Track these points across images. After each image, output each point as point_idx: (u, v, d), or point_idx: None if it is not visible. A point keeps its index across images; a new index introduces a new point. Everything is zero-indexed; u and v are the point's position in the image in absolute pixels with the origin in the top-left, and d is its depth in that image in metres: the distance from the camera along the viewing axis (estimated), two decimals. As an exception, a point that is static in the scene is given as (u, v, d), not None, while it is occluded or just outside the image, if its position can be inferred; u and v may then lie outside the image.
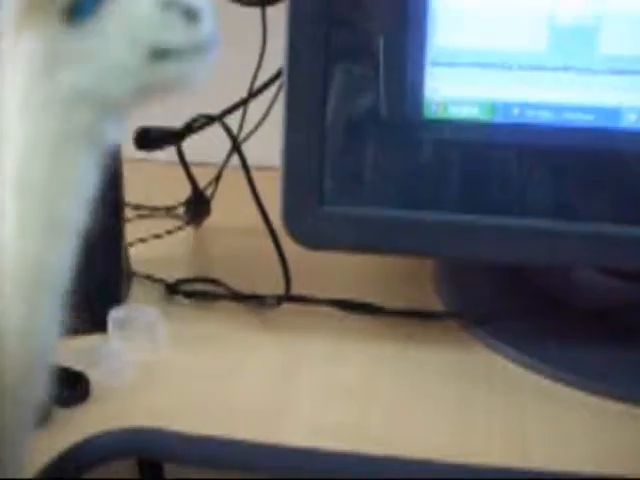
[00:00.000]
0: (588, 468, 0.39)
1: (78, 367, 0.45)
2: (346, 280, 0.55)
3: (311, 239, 0.46)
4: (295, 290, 0.51)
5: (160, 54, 0.19)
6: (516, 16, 0.42)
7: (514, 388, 0.46)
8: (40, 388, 0.25)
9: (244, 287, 0.53)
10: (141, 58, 0.18)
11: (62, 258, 0.23)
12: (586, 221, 0.44)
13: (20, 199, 0.21)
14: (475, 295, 0.55)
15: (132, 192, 0.52)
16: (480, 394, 0.45)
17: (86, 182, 0.22)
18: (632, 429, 0.43)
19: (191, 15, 0.19)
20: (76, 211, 0.22)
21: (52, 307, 0.24)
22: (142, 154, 0.56)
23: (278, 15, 0.47)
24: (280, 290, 0.51)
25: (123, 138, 0.22)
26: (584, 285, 0.53)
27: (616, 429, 0.43)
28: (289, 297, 0.51)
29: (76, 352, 0.46)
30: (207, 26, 0.19)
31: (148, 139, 0.55)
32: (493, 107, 0.44)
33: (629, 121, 0.43)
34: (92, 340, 0.48)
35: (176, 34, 0.19)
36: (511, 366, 0.48)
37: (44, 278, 0.23)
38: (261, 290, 0.52)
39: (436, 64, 0.43)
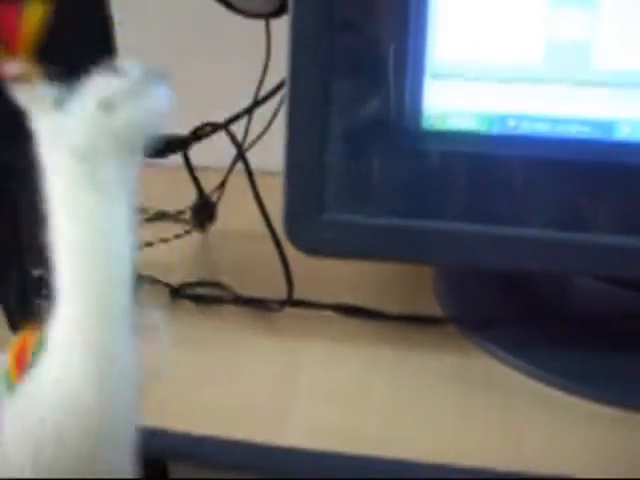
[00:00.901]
0: (580, 471, 0.40)
1: None
2: (347, 285, 0.56)
3: (312, 246, 0.46)
4: (297, 295, 0.52)
5: (109, 107, 0.24)
6: (513, 30, 0.43)
7: (510, 393, 0.46)
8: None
9: (247, 291, 0.53)
10: (94, 114, 0.24)
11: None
12: (582, 230, 0.44)
13: (60, 253, 0.26)
14: (474, 301, 0.55)
15: (139, 197, 0.52)
16: (477, 398, 0.46)
17: (109, 224, 0.26)
18: (624, 434, 0.43)
19: (117, 72, 0.25)
20: (106, 251, 0.26)
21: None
22: (147, 160, 0.57)
23: (282, 27, 0.48)
24: (282, 294, 0.52)
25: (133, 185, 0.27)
26: (581, 293, 0.53)
27: (609, 434, 0.43)
28: (291, 301, 0.52)
29: None
30: (131, 76, 0.25)
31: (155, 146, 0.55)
32: (490, 119, 0.44)
33: (623, 133, 0.43)
34: None
35: (110, 88, 0.24)
36: (508, 371, 0.48)
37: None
38: (264, 294, 0.53)
39: (435, 77, 0.44)
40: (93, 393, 0.26)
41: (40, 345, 0.27)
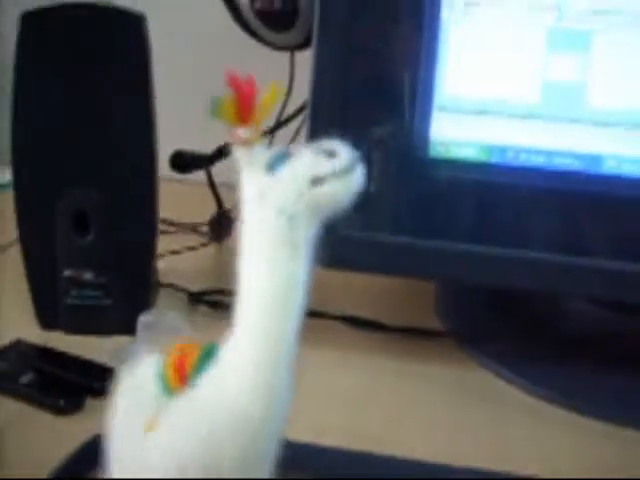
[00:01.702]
0: (564, 475, 0.42)
1: (110, 363, 0.48)
2: (353, 298, 0.58)
3: (324, 260, 0.49)
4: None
5: (317, 182, 0.28)
6: (514, 72, 0.46)
7: (502, 403, 0.49)
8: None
9: None
10: (304, 186, 0.28)
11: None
12: (573, 253, 0.47)
13: (249, 292, 0.29)
14: (472, 317, 0.58)
15: (163, 209, 0.55)
16: (471, 407, 0.48)
17: (297, 275, 0.29)
18: (607, 446, 0.46)
19: (331, 154, 0.28)
20: (290, 298, 0.29)
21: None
22: (175, 175, 0.60)
23: (304, 57, 0.52)
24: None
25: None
26: (573, 313, 0.56)
27: (593, 445, 0.45)
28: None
29: (108, 350, 0.50)
30: (341, 159, 0.28)
31: (182, 162, 0.59)
32: (490, 150, 0.47)
33: (609, 166, 0.47)
34: (122, 341, 0.52)
35: (322, 167, 0.28)
36: (501, 383, 0.51)
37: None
38: None
39: (442, 110, 0.47)
40: (260, 415, 0.29)
41: (203, 360, 0.30)
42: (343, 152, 0.28)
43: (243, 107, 0.28)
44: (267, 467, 0.30)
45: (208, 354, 0.30)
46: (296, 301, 0.29)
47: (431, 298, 0.60)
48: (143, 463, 0.30)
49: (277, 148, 0.29)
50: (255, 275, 0.29)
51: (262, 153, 0.29)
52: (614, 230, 0.47)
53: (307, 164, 0.28)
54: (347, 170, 0.28)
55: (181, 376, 0.31)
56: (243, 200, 0.29)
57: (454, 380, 0.51)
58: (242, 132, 0.28)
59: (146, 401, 0.31)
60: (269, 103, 0.29)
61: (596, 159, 0.47)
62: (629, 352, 0.53)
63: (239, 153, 0.29)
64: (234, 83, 0.28)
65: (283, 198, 0.28)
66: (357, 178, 0.29)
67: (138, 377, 0.33)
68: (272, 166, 0.28)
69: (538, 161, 0.47)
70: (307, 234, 0.29)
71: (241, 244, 0.29)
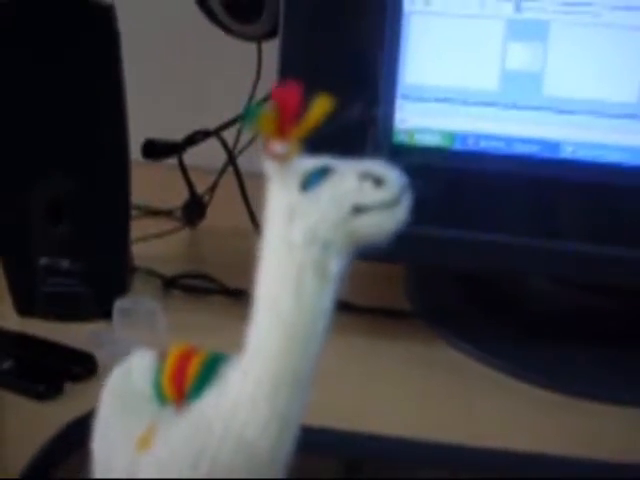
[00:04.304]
0: (526, 448, 0.43)
1: (87, 348, 0.50)
2: None
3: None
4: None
5: (359, 210, 0.25)
6: (473, 61, 0.47)
7: (468, 378, 0.50)
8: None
9: (233, 283, 0.57)
10: (344, 214, 0.25)
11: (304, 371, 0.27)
12: (531, 235, 0.49)
13: (269, 318, 0.26)
14: (439, 297, 0.60)
15: (136, 195, 0.55)
16: (438, 382, 0.50)
17: (323, 308, 0.26)
18: (568, 417, 0.47)
19: (379, 181, 0.25)
20: (314, 331, 0.27)
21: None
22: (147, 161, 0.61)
23: (272, 46, 0.52)
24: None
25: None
26: (533, 292, 0.58)
27: (553, 416, 0.47)
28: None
29: (86, 336, 0.51)
30: (390, 189, 0.25)
31: (153, 150, 0.60)
32: (452, 136, 0.49)
33: (567, 152, 0.48)
34: (99, 326, 0.53)
35: (368, 196, 0.25)
36: (466, 359, 0.52)
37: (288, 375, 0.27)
38: (248, 286, 0.56)
39: (405, 98, 0.48)
40: (269, 448, 0.26)
41: (206, 375, 0.27)
42: (391, 180, 0.25)
43: (284, 119, 0.25)
44: None
45: (210, 368, 0.28)
46: (319, 335, 0.27)
47: (400, 280, 0.61)
48: None
49: (315, 161, 0.26)
50: (276, 302, 0.26)
51: (297, 167, 0.25)
52: (572, 212, 0.48)
53: (350, 189, 0.25)
54: (394, 202, 0.25)
55: (178, 388, 0.28)
56: (268, 218, 0.26)
57: (422, 358, 0.52)
58: (278, 146, 0.25)
59: (137, 408, 0.29)
60: (314, 118, 0.25)
61: (554, 145, 0.48)
62: (591, 329, 0.54)
63: (271, 168, 0.26)
64: (278, 92, 0.25)
65: (316, 223, 0.25)
66: (403, 210, 0.25)
67: (129, 379, 0.30)
68: (308, 183, 0.25)
69: (497, 147, 0.48)
70: (339, 265, 0.25)
71: (261, 264, 0.26)
